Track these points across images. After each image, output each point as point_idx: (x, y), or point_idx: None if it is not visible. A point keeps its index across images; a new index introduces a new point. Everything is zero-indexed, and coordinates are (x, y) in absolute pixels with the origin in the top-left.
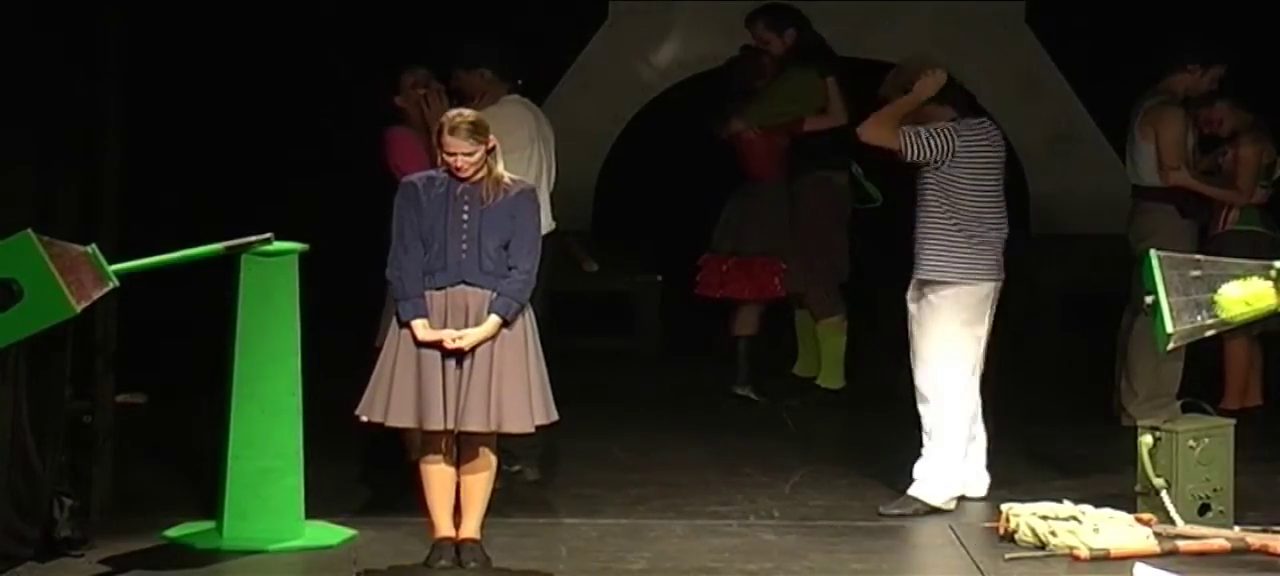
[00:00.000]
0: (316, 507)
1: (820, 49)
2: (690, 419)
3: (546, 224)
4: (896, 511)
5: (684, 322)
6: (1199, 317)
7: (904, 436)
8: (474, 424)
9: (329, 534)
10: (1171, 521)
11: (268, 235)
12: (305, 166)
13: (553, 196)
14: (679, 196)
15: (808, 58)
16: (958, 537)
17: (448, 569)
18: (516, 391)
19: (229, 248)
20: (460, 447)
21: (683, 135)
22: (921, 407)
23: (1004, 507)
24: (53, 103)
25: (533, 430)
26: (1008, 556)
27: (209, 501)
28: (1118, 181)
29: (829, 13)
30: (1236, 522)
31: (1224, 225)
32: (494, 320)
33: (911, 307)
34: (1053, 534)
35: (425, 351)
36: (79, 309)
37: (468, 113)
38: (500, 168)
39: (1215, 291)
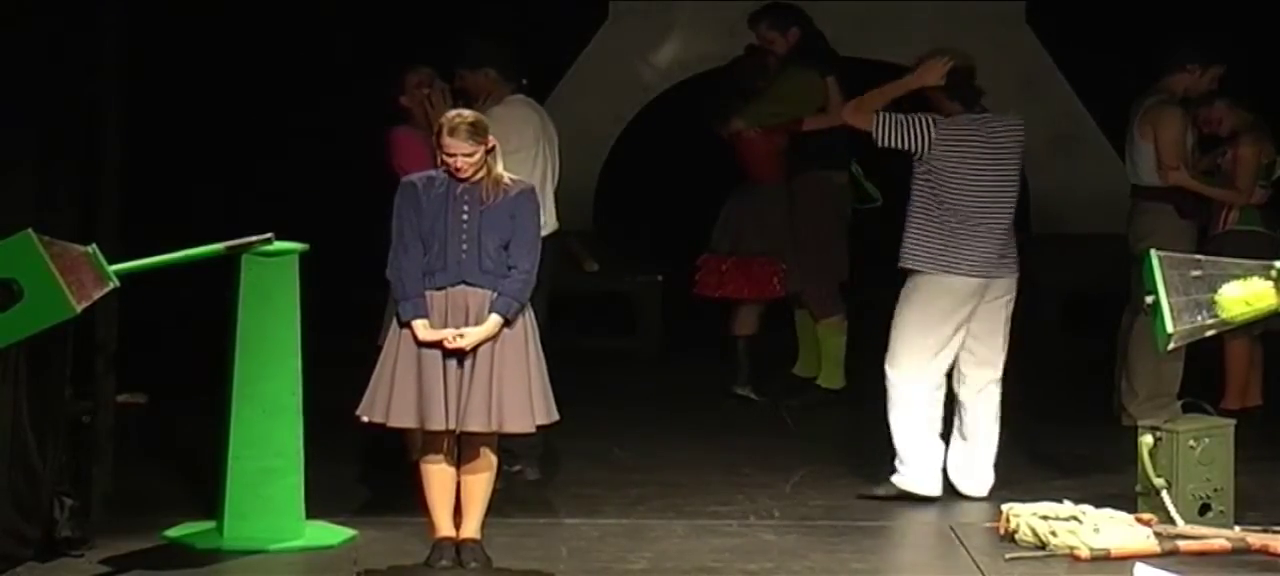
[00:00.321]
0: (317, 507)
1: (822, 48)
2: (690, 419)
3: (550, 224)
4: (878, 493)
5: (684, 323)
6: (1199, 317)
7: None
8: (475, 424)
9: (329, 534)
10: (1172, 521)
11: (268, 235)
12: (305, 166)
13: (555, 196)
14: (679, 196)
15: (809, 57)
16: (958, 537)
17: (448, 569)
18: (517, 391)
19: (229, 248)
20: (461, 448)
21: (683, 135)
22: None
23: (1004, 507)
24: (53, 103)
25: (534, 430)
26: (1008, 556)
27: (209, 501)
28: (1118, 181)
29: (830, 12)
30: (1237, 522)
31: (1224, 225)
32: (495, 319)
33: None
34: (1053, 534)
35: (426, 351)
36: (79, 309)
37: (467, 113)
38: (500, 167)
39: (1215, 291)
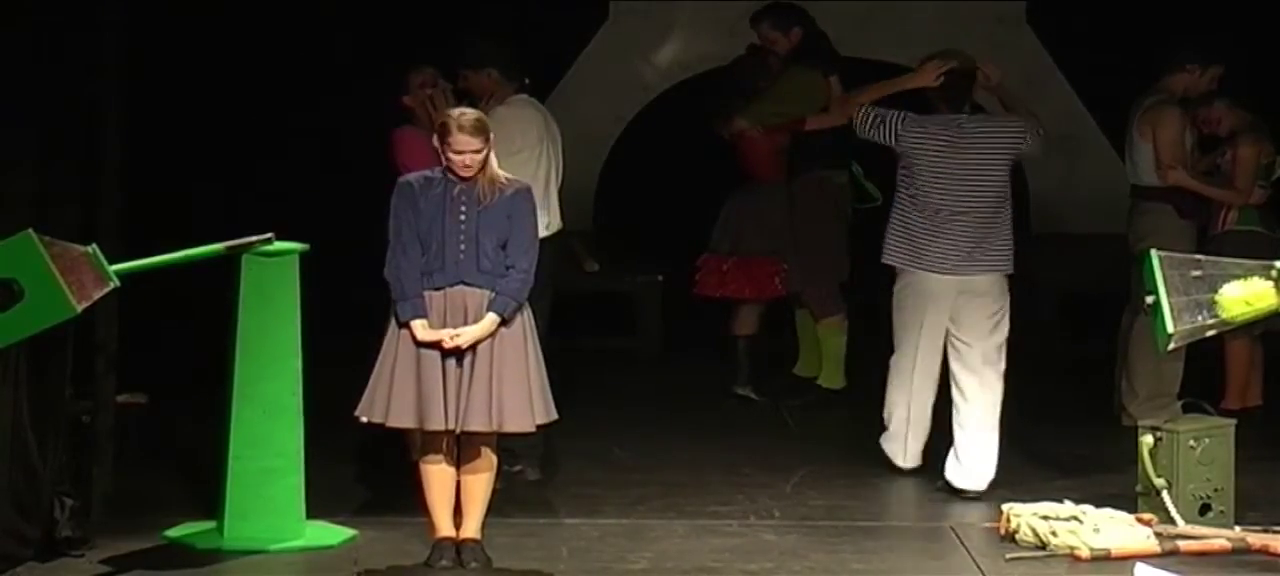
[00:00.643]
0: (317, 507)
1: (824, 48)
2: (690, 419)
3: (554, 224)
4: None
5: (684, 323)
6: (1200, 318)
7: None
8: (476, 424)
9: (329, 534)
10: (1172, 521)
11: (268, 235)
12: (305, 166)
13: (558, 196)
14: (680, 196)
15: (811, 57)
16: (958, 537)
17: (448, 569)
18: (517, 390)
19: (229, 248)
20: (461, 447)
21: (684, 135)
22: None
23: (1005, 507)
24: (53, 103)
25: (534, 429)
26: (1008, 556)
27: (210, 501)
28: (1118, 181)
29: (831, 12)
30: (1237, 523)
31: (1223, 225)
32: (492, 318)
33: None
34: (1053, 534)
35: (425, 351)
36: (80, 309)
37: (470, 111)
38: (495, 167)
39: (1216, 291)
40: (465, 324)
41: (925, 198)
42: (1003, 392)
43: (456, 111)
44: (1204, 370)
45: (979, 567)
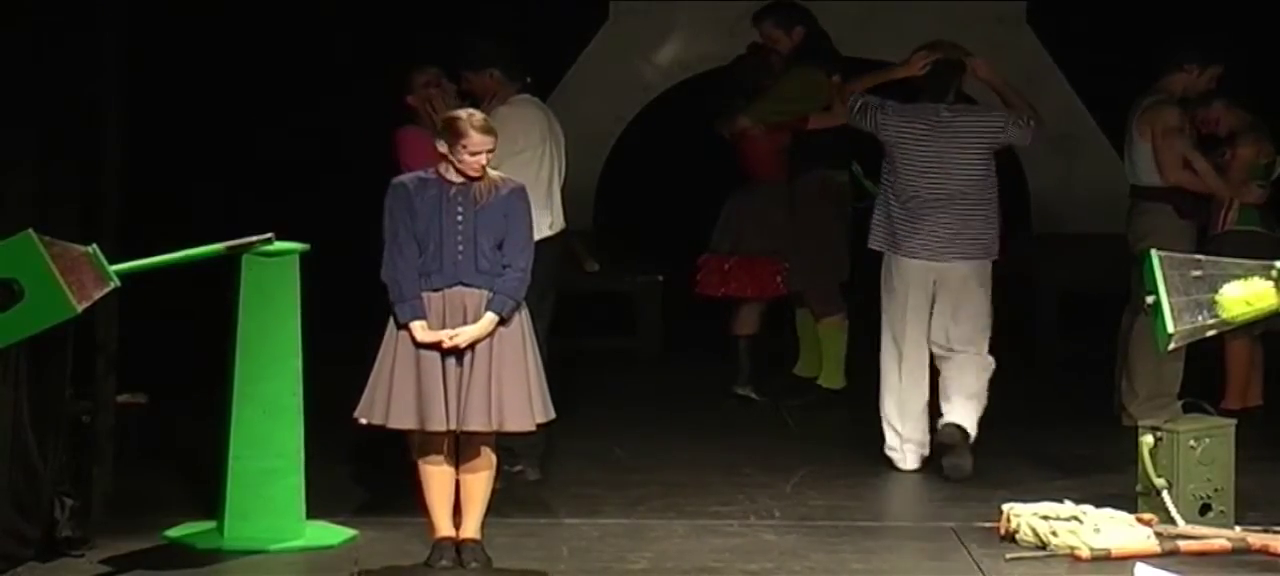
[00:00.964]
0: (317, 507)
1: (826, 48)
2: (690, 419)
3: (557, 223)
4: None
5: (684, 323)
6: (1200, 318)
7: None
8: (476, 423)
9: (329, 534)
10: (1172, 521)
11: (268, 235)
12: (305, 166)
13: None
14: (680, 196)
15: (813, 56)
16: (959, 537)
17: (448, 569)
18: (517, 390)
19: (229, 248)
20: (460, 447)
21: (684, 135)
22: None
23: (1005, 507)
24: (53, 103)
25: (534, 427)
26: (1009, 556)
27: (210, 501)
28: (1117, 181)
29: (831, 12)
30: (1237, 523)
31: (1223, 225)
32: (490, 317)
33: None
34: (1054, 534)
35: (424, 352)
36: (80, 309)
37: (478, 112)
38: (489, 167)
39: (1216, 291)
40: (464, 324)
41: (903, 184)
42: (989, 372)
43: (465, 112)
44: (1204, 370)
45: (979, 567)
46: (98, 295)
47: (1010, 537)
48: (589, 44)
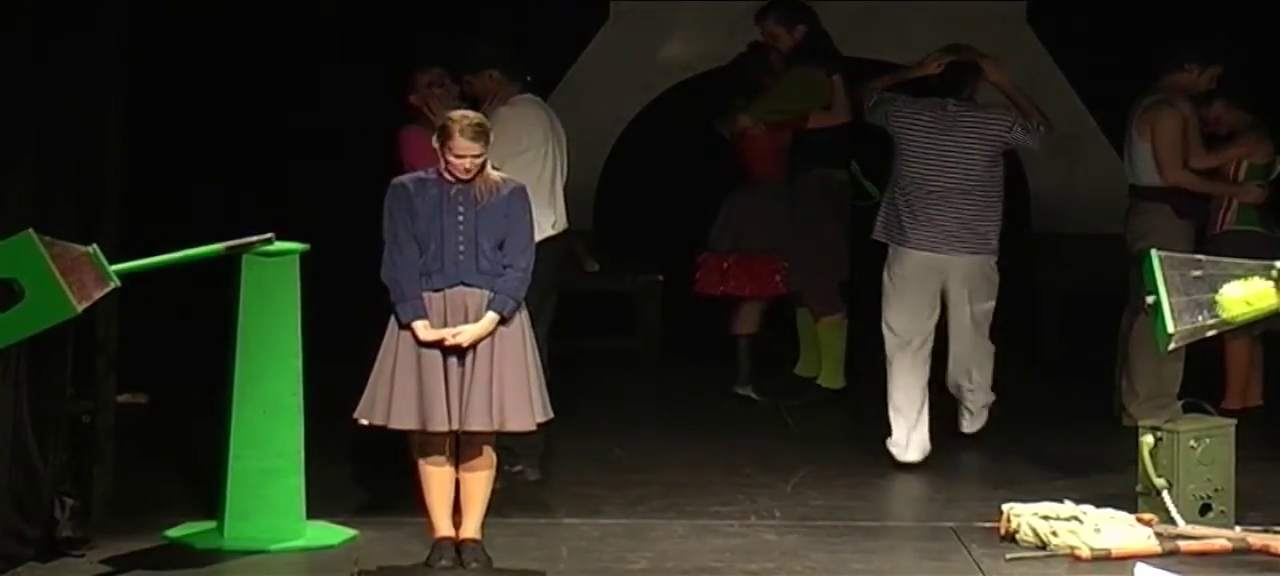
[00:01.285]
0: (317, 507)
1: (827, 47)
2: (690, 419)
3: (560, 223)
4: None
5: (684, 323)
6: (1200, 318)
7: None
8: (477, 423)
9: (330, 534)
10: (1173, 521)
11: (268, 235)
12: (305, 166)
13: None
14: (680, 196)
15: (813, 55)
16: (959, 537)
17: (448, 569)
18: (518, 389)
19: (229, 248)
20: (461, 447)
21: (684, 135)
22: None
23: (1005, 507)
24: (53, 103)
25: (535, 427)
26: (1009, 556)
27: (210, 501)
28: (1118, 181)
29: (831, 12)
30: (1237, 523)
31: (1222, 225)
32: (491, 316)
33: None
34: (1054, 534)
35: (425, 352)
36: (80, 309)
37: (472, 114)
38: (490, 167)
39: (1216, 291)
40: (465, 324)
41: (908, 177)
42: (991, 361)
43: (458, 114)
44: (1204, 370)
45: (979, 567)
46: (98, 295)
47: (1010, 537)
48: (589, 44)
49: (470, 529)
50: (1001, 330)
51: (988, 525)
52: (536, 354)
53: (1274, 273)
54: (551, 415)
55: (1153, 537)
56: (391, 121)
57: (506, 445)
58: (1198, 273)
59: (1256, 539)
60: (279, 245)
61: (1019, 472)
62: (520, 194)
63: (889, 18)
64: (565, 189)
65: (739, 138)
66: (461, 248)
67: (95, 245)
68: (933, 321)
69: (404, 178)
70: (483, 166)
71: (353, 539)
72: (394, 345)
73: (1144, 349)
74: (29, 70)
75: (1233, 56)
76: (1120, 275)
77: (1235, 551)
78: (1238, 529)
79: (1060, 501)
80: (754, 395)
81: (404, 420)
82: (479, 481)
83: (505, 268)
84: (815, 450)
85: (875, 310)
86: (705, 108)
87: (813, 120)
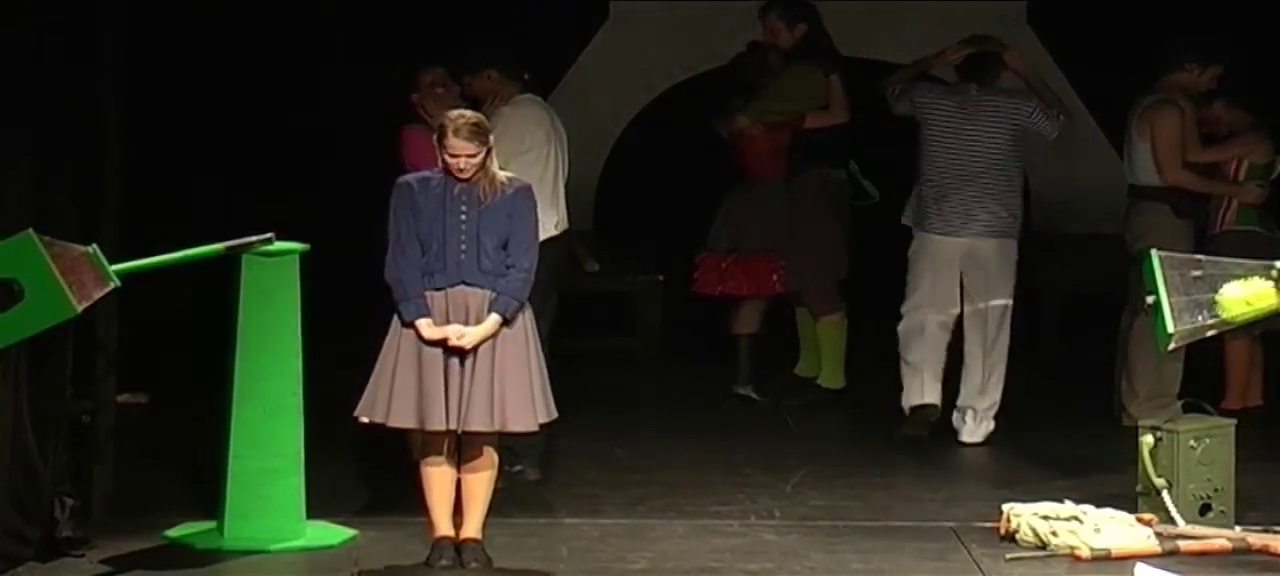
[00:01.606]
0: (317, 507)
1: (826, 46)
2: (690, 419)
3: (562, 223)
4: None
5: (684, 323)
6: (1200, 317)
7: None
8: (478, 423)
9: (330, 534)
10: (1173, 521)
11: (268, 235)
12: (305, 166)
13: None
14: (680, 196)
15: (812, 54)
16: (959, 537)
17: (448, 568)
18: (520, 390)
19: (229, 248)
20: (462, 447)
21: (684, 135)
22: None
23: (1005, 507)
24: (53, 103)
25: (537, 428)
26: (1009, 556)
27: (210, 501)
28: (1118, 181)
29: (831, 12)
30: (1237, 523)
31: (1222, 225)
32: (494, 318)
33: None
34: (1054, 534)
35: (426, 351)
36: (80, 309)
37: (469, 114)
38: (494, 167)
39: (1216, 291)
40: (467, 324)
41: (931, 160)
42: (1005, 361)
43: (454, 114)
44: (1204, 370)
45: (979, 567)
46: (98, 295)
47: (1010, 537)
48: (589, 44)
49: (471, 529)
50: None
51: (988, 525)
52: (540, 354)
53: (1274, 273)
54: (555, 415)
55: (1153, 537)
56: (391, 121)
57: (507, 445)
58: (1197, 272)
59: (1256, 539)
60: (279, 245)
61: (1019, 472)
62: (525, 194)
63: (889, 18)
64: (566, 189)
65: (737, 137)
66: (463, 247)
67: (95, 245)
68: (953, 312)
69: (409, 177)
70: (483, 166)
71: (353, 539)
72: (396, 344)
73: (1144, 349)
74: (29, 70)
75: (1233, 56)
76: (1120, 275)
77: (1235, 551)
78: (1238, 529)
79: (1060, 501)
80: (754, 395)
81: (403, 419)
82: (480, 481)
83: (508, 268)
84: (815, 450)
85: (875, 310)
86: (705, 107)
87: (810, 120)
